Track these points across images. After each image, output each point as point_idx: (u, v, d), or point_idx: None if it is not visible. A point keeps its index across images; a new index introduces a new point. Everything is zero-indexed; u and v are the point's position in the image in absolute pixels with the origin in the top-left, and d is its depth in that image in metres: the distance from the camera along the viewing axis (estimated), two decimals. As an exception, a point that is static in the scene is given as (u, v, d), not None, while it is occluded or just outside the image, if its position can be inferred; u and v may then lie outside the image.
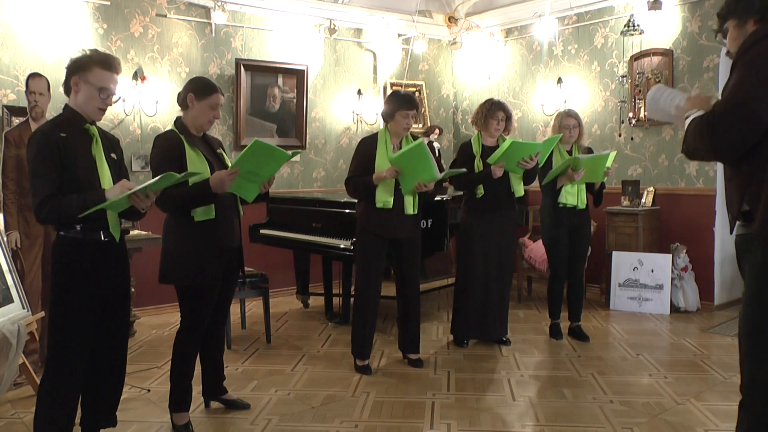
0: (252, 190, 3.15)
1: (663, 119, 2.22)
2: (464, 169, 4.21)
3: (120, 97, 2.76)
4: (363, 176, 3.95)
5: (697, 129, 1.96)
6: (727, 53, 2.13)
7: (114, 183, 2.63)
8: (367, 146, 4.04)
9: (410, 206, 3.99)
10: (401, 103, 3.95)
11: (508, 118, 4.48)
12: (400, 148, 3.94)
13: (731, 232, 2.12)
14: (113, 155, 2.72)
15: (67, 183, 2.50)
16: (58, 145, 2.48)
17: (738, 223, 2.06)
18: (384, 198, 3.92)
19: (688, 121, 2.05)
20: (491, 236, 4.48)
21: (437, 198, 5.04)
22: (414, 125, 7.32)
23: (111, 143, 2.75)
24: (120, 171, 2.75)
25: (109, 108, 2.71)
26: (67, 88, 2.61)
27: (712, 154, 1.99)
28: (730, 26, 2.06)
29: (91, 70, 2.55)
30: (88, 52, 2.60)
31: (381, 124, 7.11)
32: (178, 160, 3.01)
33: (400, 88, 7.20)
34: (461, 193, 4.74)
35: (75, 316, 2.58)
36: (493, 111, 4.41)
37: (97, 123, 2.69)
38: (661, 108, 2.24)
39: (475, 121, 4.53)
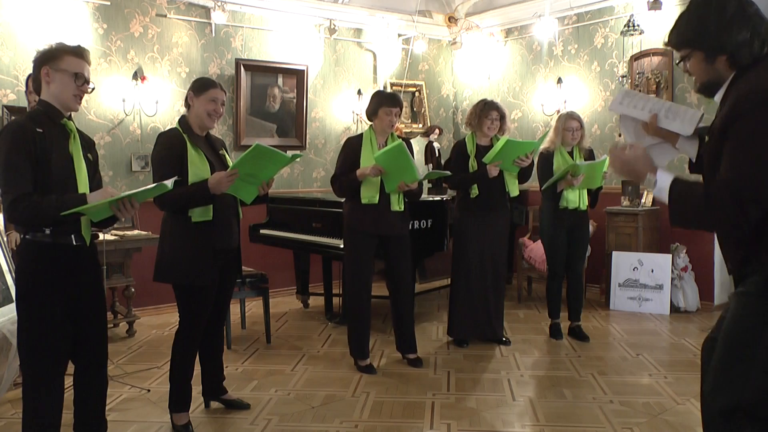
0: (251, 192, 3.16)
1: (633, 116, 2.14)
2: (448, 172, 4.23)
3: (93, 87, 2.65)
4: (348, 174, 3.96)
5: (702, 208, 1.82)
6: (697, 88, 2.02)
7: (90, 185, 2.54)
8: (353, 145, 4.05)
9: (396, 202, 3.99)
10: (384, 100, 3.97)
11: (502, 117, 4.48)
12: (386, 146, 3.95)
13: (730, 274, 2.04)
14: (89, 155, 2.60)
15: (40, 180, 2.37)
16: (34, 140, 2.36)
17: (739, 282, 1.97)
18: (369, 194, 3.92)
19: (663, 184, 1.91)
20: (486, 236, 4.49)
21: (437, 198, 5.04)
22: (414, 125, 7.44)
23: (87, 143, 2.64)
24: (95, 173, 2.64)
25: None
26: (38, 83, 2.48)
27: (712, 229, 1.96)
28: (696, 57, 1.94)
29: (62, 58, 2.45)
30: (54, 45, 2.50)
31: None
32: (179, 158, 3.01)
33: (400, 88, 7.21)
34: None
35: (45, 324, 2.44)
36: (486, 110, 4.42)
37: (74, 121, 2.60)
38: (630, 113, 2.15)
39: (469, 122, 4.54)
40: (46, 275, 2.44)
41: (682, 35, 1.97)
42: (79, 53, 2.50)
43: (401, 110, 4.04)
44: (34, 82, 2.50)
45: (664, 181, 1.92)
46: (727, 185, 1.77)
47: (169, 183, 2.51)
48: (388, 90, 7.15)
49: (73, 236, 2.48)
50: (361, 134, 4.10)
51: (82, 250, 2.54)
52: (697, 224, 1.95)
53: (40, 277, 2.44)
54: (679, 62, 2.05)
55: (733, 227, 1.81)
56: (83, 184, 2.49)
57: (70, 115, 2.55)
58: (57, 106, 2.48)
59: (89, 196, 2.41)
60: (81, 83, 2.49)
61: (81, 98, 2.54)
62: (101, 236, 4.42)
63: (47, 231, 2.42)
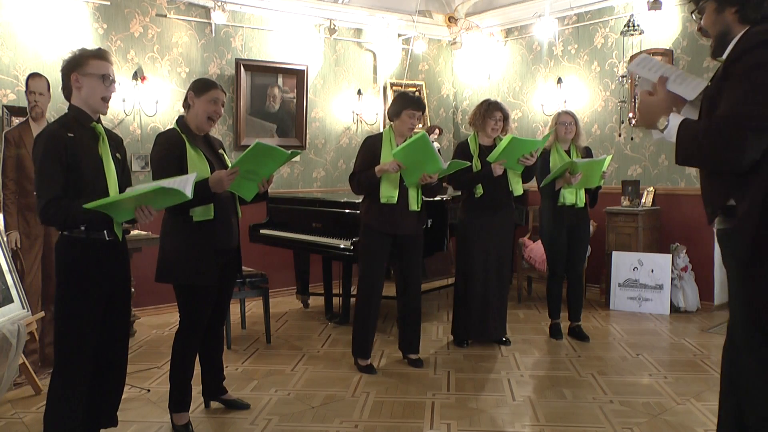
0: (251, 189, 3.16)
1: (644, 77, 2.21)
2: (468, 162, 4.19)
3: (112, 89, 2.70)
4: (366, 171, 3.96)
5: (706, 141, 1.89)
6: (699, 29, 2.12)
7: (119, 183, 2.64)
8: (372, 144, 4.06)
9: (414, 202, 3.99)
10: (409, 103, 3.98)
11: (506, 118, 4.48)
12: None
13: (710, 223, 2.12)
14: (118, 155, 2.72)
15: (72, 183, 2.51)
16: (65, 146, 2.49)
17: (718, 218, 2.06)
18: (388, 193, 3.92)
19: (672, 126, 2.00)
20: (490, 236, 4.49)
21: (437, 198, 5.04)
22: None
23: (116, 142, 2.77)
24: (123, 170, 2.77)
25: (109, 108, 2.72)
26: (68, 89, 2.62)
27: (717, 166, 1.94)
28: (709, 8, 2.02)
29: (88, 63, 2.58)
30: (78, 51, 2.63)
31: (381, 124, 7.17)
32: (178, 159, 3.01)
33: (400, 88, 7.21)
34: (460, 192, 4.74)
35: (81, 316, 2.58)
36: (491, 111, 4.42)
37: (102, 124, 2.69)
38: (645, 73, 2.21)
39: (472, 122, 4.53)
40: (81, 268, 2.57)
41: None
42: (103, 56, 2.63)
43: (423, 114, 4.04)
44: (65, 89, 2.63)
45: (675, 120, 1.99)
46: (727, 117, 1.81)
47: (188, 191, 2.51)
48: (380, 90, 7.17)
49: (105, 232, 2.61)
50: (381, 133, 4.11)
51: (114, 245, 2.67)
52: (695, 160, 2.00)
53: (76, 270, 2.57)
54: (693, 12, 2.13)
55: (731, 160, 1.85)
56: (113, 186, 2.62)
57: (99, 118, 2.67)
58: (87, 111, 2.61)
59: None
60: (108, 84, 2.61)
61: (108, 100, 2.66)
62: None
63: (82, 227, 2.55)
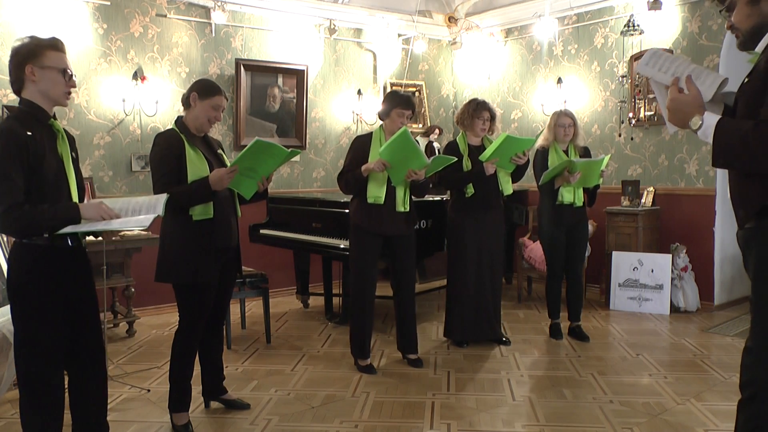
0: (250, 187, 3.16)
1: (657, 80, 2.10)
2: (455, 158, 4.17)
3: (72, 83, 2.56)
4: (354, 170, 3.96)
5: (745, 142, 1.79)
6: (730, 27, 1.99)
7: (76, 183, 2.49)
8: (362, 143, 4.06)
9: (401, 203, 3.99)
10: (398, 102, 3.97)
11: (493, 118, 4.49)
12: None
13: (741, 227, 2.02)
14: (73, 153, 2.54)
15: (34, 186, 2.32)
16: (26, 145, 2.28)
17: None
18: (375, 193, 3.92)
19: (708, 126, 1.89)
20: (482, 235, 4.48)
21: (438, 198, 5.04)
22: (414, 125, 7.44)
23: (71, 141, 2.55)
24: (77, 171, 2.56)
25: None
26: (20, 81, 2.38)
27: (762, 169, 1.84)
28: (740, 4, 1.93)
29: (45, 54, 2.37)
30: (30, 39, 2.39)
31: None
32: (177, 158, 3.01)
33: (400, 88, 7.21)
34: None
35: (42, 325, 2.40)
36: (479, 111, 4.42)
37: (77, 125, 2.56)
38: (658, 72, 2.09)
39: (460, 121, 4.53)
40: (42, 277, 2.40)
41: None
42: (60, 47, 2.42)
43: (414, 113, 4.04)
44: (16, 81, 2.40)
45: (710, 119, 1.88)
46: None
47: (160, 210, 2.48)
48: (380, 90, 7.16)
49: (68, 238, 2.46)
50: (371, 133, 4.10)
51: (77, 251, 2.54)
52: (740, 162, 1.87)
53: (36, 279, 2.40)
54: (722, 11, 2.01)
55: None
56: (74, 187, 2.46)
57: (54, 113, 2.48)
58: (43, 106, 2.41)
59: (82, 209, 2.38)
60: (69, 78, 2.43)
61: (70, 94, 2.49)
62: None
63: (45, 234, 2.37)
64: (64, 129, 2.53)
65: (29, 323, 2.41)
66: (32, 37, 2.41)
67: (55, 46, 2.41)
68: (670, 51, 5.55)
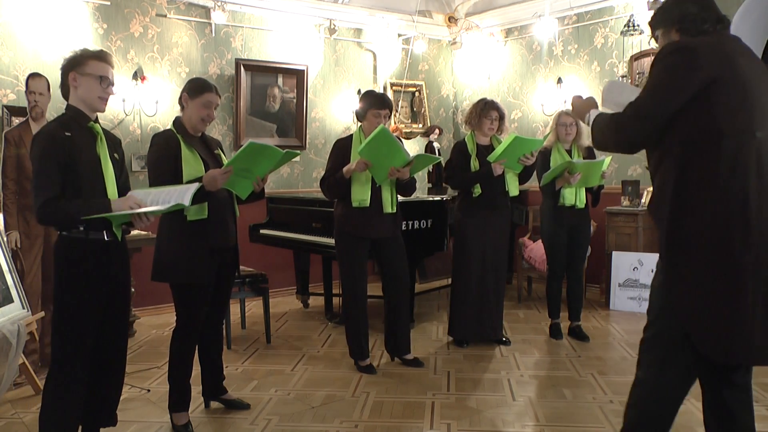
0: (246, 188, 3.15)
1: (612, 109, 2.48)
2: (440, 157, 4.13)
3: (109, 91, 2.72)
4: (335, 174, 3.94)
5: (607, 125, 2.24)
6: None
7: (117, 183, 2.63)
8: (342, 146, 4.04)
9: (388, 204, 3.96)
10: (373, 102, 3.94)
11: (501, 117, 4.48)
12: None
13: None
14: (116, 155, 2.72)
15: (70, 183, 2.50)
16: (63, 145, 2.48)
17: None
18: (360, 197, 3.89)
19: (592, 117, 2.40)
20: (487, 235, 4.48)
21: (438, 198, 5.04)
22: (414, 125, 7.44)
23: (114, 143, 2.74)
24: (122, 171, 2.75)
25: (109, 108, 2.72)
26: (65, 88, 2.62)
27: (614, 148, 2.31)
28: (660, 35, 2.28)
29: (87, 63, 2.57)
30: (79, 51, 2.63)
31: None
32: (174, 159, 3.01)
33: (400, 88, 7.21)
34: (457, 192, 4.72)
35: (79, 317, 2.57)
36: (487, 110, 4.41)
37: (100, 124, 2.68)
38: (614, 101, 2.46)
39: (468, 121, 4.52)
40: (80, 268, 2.56)
41: (654, 17, 2.32)
42: (103, 57, 2.62)
43: (391, 111, 4.00)
44: (62, 87, 2.62)
45: (594, 113, 2.41)
46: (631, 106, 2.13)
47: (187, 201, 2.60)
48: (380, 90, 7.15)
49: (104, 232, 2.60)
50: (351, 135, 4.08)
51: (113, 245, 2.66)
52: (607, 142, 2.30)
53: (75, 270, 2.56)
54: (650, 39, 2.42)
55: (634, 142, 2.18)
56: (111, 185, 2.60)
57: (97, 118, 2.67)
58: (84, 110, 2.60)
59: (113, 203, 2.54)
60: (106, 86, 2.60)
61: (106, 100, 2.65)
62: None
63: (81, 227, 2.54)
64: (110, 132, 2.78)
65: (68, 311, 2.57)
66: (82, 49, 2.66)
67: (98, 56, 2.61)
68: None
